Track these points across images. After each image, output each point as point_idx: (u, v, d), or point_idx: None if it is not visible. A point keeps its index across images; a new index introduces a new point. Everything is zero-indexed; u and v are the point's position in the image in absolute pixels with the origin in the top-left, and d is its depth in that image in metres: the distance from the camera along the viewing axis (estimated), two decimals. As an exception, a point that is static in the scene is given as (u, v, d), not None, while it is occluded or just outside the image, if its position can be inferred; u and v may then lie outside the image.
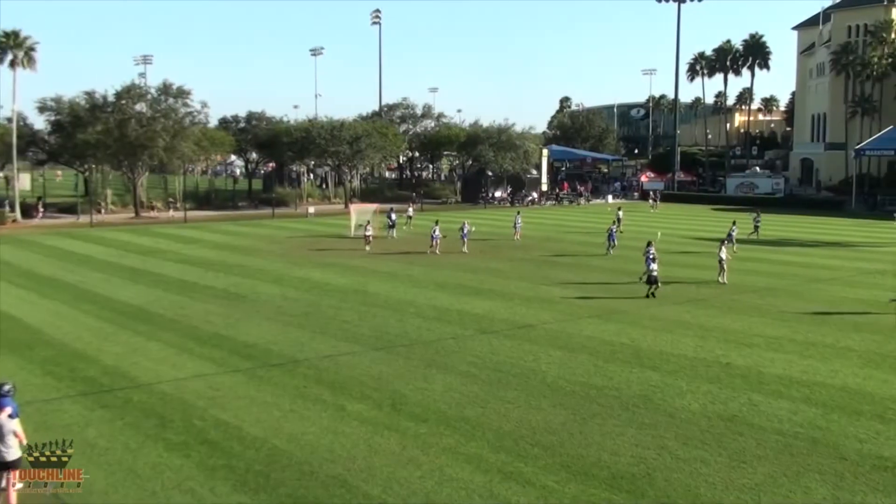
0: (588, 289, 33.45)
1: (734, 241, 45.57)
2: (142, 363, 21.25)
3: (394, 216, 53.71)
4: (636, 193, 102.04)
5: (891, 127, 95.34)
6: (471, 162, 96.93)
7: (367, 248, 45.23)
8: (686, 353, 22.74)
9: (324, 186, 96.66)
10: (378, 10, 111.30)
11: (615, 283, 34.74)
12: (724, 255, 35.26)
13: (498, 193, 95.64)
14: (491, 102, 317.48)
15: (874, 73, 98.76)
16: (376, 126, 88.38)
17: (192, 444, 15.50)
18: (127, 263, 40.02)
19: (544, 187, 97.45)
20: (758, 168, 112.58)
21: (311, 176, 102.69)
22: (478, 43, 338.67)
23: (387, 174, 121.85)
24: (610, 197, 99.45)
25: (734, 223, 47.40)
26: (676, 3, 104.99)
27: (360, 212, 56.60)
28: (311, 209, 73.53)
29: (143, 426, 16.43)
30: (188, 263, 40.19)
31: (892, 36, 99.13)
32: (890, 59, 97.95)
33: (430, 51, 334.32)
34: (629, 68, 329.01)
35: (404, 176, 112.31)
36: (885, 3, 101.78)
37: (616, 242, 45.27)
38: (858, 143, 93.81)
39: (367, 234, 46.15)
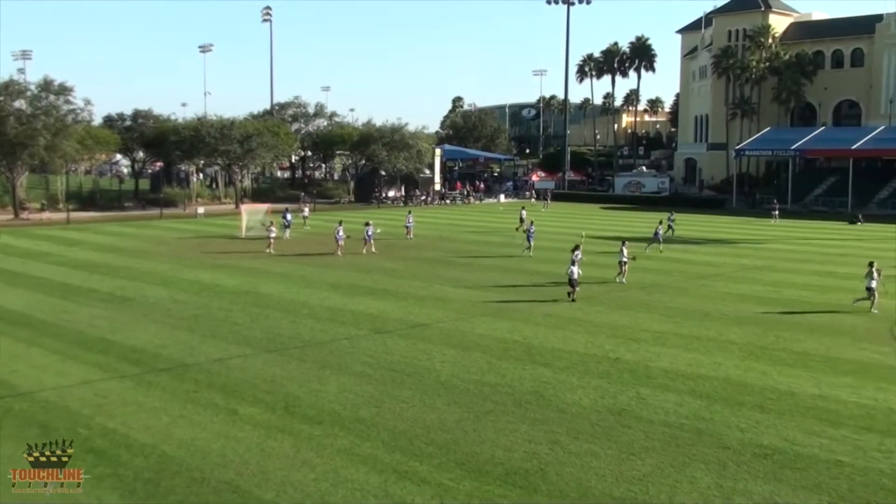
0: (481, 287, 33.75)
1: (661, 240, 46.84)
2: (23, 370, 20.42)
3: (289, 216, 53.04)
4: (528, 193, 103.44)
5: (768, 128, 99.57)
6: (364, 161, 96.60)
7: (270, 250, 44.10)
8: (577, 349, 23.19)
9: (214, 186, 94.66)
10: (269, 8, 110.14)
11: (508, 282, 35.18)
12: (625, 256, 35.50)
13: (391, 193, 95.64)
14: (384, 102, 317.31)
15: (753, 76, 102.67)
16: (268, 125, 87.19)
17: (77, 453, 14.94)
18: (5, 266, 38.42)
19: (438, 187, 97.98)
20: (644, 168, 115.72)
21: (201, 175, 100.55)
22: (370, 42, 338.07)
23: (279, 174, 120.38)
24: (502, 196, 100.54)
25: (661, 223, 48.66)
26: (566, 6, 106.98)
27: (252, 212, 55.87)
28: (201, 209, 72.04)
29: (25, 436, 15.75)
30: (71, 266, 38.86)
31: (769, 41, 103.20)
32: (767, 63, 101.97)
33: (321, 49, 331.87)
34: (520, 69, 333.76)
35: (296, 175, 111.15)
36: (763, 9, 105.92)
37: (532, 243, 44.76)
38: (738, 144, 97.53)
39: (271, 235, 45.11)
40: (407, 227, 52.78)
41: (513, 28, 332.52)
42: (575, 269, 30.99)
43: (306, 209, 63.72)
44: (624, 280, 35.05)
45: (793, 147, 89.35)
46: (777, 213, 72.53)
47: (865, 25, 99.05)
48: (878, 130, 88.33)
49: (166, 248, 47.11)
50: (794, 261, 43.73)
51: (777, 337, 24.89)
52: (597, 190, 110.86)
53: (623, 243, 36.74)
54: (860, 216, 71.18)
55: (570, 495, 13.44)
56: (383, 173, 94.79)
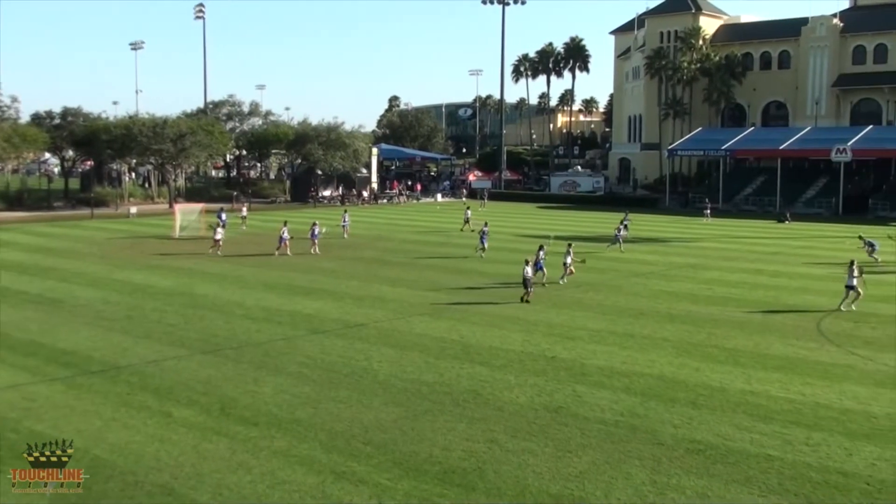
0: (419, 287, 33.76)
1: (621, 240, 47.28)
2: (-53, 375, 19.89)
3: (224, 216, 52.30)
4: (463, 192, 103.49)
5: (700, 129, 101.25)
6: (300, 161, 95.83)
7: (219, 252, 43.01)
8: (514, 347, 23.35)
9: (147, 186, 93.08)
10: (202, 5, 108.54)
11: (446, 281, 35.24)
12: (569, 259, 35.43)
13: (327, 192, 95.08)
14: (320, 101, 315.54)
15: (684, 77, 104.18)
16: (201, 124, 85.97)
17: (5, 458, 14.62)
18: (-71, 268, 37.33)
19: (374, 186, 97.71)
20: (579, 167, 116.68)
21: (133, 175, 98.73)
22: (305, 40, 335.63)
23: (213, 173, 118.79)
24: (439, 196, 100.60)
25: (622, 222, 49.17)
26: (501, 6, 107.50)
27: (186, 212, 55.05)
28: (133, 209, 70.86)
29: (-50, 442, 15.40)
30: (-2, 267, 37.90)
31: (700, 42, 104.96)
32: (698, 65, 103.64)
33: (256, 47, 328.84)
34: (457, 68, 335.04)
35: (231, 175, 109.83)
36: (694, 11, 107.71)
37: (486, 244, 43.94)
38: (671, 144, 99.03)
39: (217, 237, 43.95)
40: (343, 226, 52.59)
41: (449, 27, 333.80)
42: (528, 269, 30.78)
43: (244, 209, 62.97)
44: (564, 281, 35.22)
45: (723, 147, 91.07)
46: (709, 212, 73.75)
47: (792, 28, 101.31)
48: (805, 131, 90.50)
49: (98, 248, 46.20)
50: (726, 259, 44.59)
51: (709, 334, 25.37)
52: (533, 189, 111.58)
53: (569, 245, 37.07)
54: (788, 215, 72.90)
55: (508, 493, 13.54)
56: (319, 172, 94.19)
